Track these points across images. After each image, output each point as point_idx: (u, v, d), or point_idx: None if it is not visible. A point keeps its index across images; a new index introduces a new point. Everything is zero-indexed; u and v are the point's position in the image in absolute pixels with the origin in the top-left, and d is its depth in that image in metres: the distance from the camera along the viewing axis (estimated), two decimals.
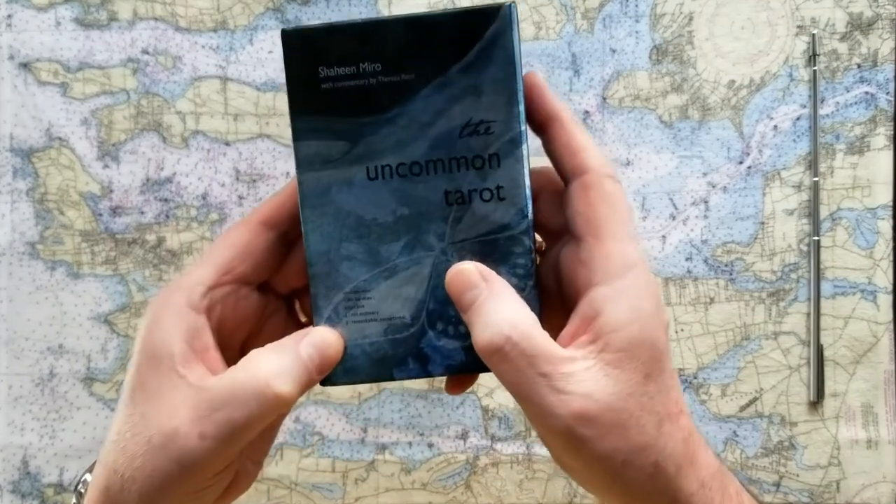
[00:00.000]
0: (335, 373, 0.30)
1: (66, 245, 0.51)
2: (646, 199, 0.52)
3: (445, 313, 0.29)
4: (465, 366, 0.30)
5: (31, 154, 0.51)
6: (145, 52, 0.52)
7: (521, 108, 0.28)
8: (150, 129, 0.52)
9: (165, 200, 0.51)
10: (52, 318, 0.51)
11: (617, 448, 0.27)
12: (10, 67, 0.51)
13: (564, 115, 0.29)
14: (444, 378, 0.32)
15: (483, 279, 0.28)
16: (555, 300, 0.30)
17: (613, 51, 0.52)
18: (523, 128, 0.28)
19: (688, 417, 0.29)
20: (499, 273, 0.29)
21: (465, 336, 0.29)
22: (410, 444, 0.52)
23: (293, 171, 0.47)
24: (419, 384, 0.51)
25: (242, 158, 0.52)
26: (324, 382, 0.30)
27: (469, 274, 0.28)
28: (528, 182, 0.29)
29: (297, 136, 0.29)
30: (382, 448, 0.52)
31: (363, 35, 0.28)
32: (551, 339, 0.27)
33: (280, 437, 0.51)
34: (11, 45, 0.51)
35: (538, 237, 0.32)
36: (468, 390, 0.40)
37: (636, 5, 0.52)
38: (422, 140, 0.29)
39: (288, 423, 0.51)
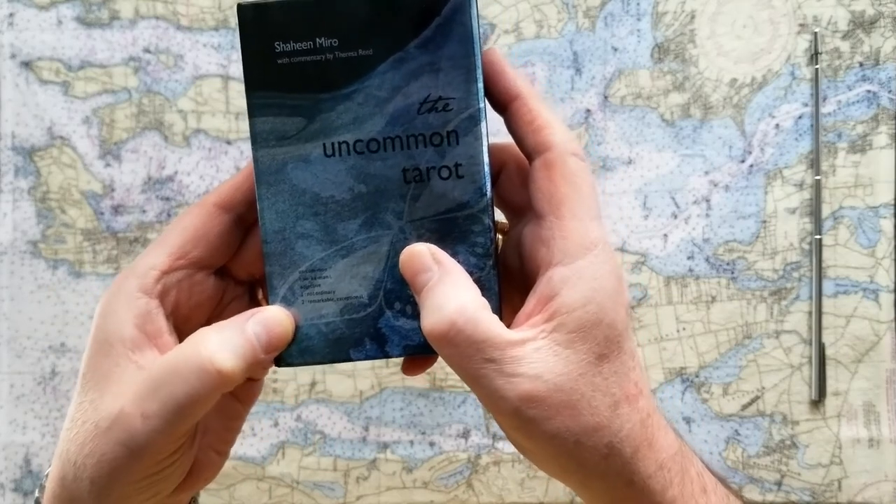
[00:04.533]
0: (290, 353, 0.29)
1: (67, 244, 0.51)
2: (647, 197, 0.52)
3: (403, 293, 0.29)
4: (423, 346, 0.28)
5: (33, 153, 0.51)
6: (147, 50, 0.52)
7: (480, 84, 0.28)
8: (151, 128, 0.52)
9: (167, 199, 0.51)
10: (53, 316, 0.51)
11: (567, 428, 0.26)
12: (11, 66, 0.51)
13: (526, 91, 0.29)
14: (404, 360, 0.31)
15: (435, 262, 0.27)
16: (517, 279, 0.30)
17: (615, 49, 0.52)
18: (482, 104, 0.28)
19: (648, 399, 0.28)
20: (457, 252, 0.28)
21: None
22: (412, 442, 0.52)
23: None
24: (420, 382, 0.51)
25: (244, 157, 0.52)
26: (278, 363, 0.29)
27: (421, 256, 0.27)
28: (487, 160, 0.28)
29: (253, 111, 0.29)
30: (384, 447, 0.52)
31: (320, 10, 0.28)
32: (500, 324, 0.27)
33: (282, 436, 0.51)
34: (13, 43, 0.51)
35: (502, 218, 0.31)
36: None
37: (638, 4, 0.52)
38: (379, 116, 0.28)
39: (290, 421, 0.51)
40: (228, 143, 0.52)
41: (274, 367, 0.30)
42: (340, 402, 0.52)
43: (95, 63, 0.52)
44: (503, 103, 0.29)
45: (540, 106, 0.29)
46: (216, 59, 0.52)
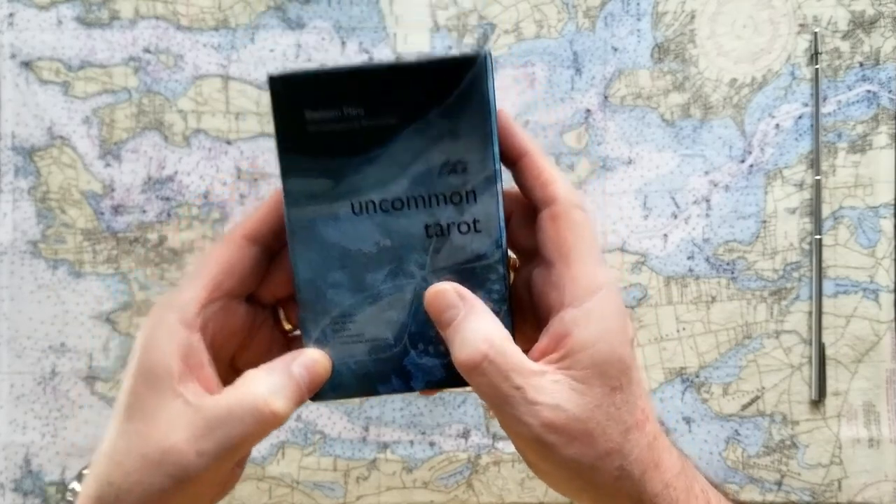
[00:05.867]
0: (323, 390, 0.31)
1: (67, 244, 0.51)
2: (647, 197, 0.52)
3: (426, 334, 0.31)
4: (444, 381, 0.32)
5: (33, 153, 0.51)
6: (147, 50, 0.52)
7: (496, 148, 0.30)
8: (151, 128, 0.52)
9: (167, 199, 0.52)
10: (53, 316, 0.51)
11: (584, 454, 0.29)
12: (11, 66, 0.51)
13: (532, 148, 0.31)
14: None
15: (460, 298, 0.30)
16: (528, 314, 0.32)
17: (615, 49, 0.52)
18: (497, 166, 0.30)
19: (653, 423, 0.31)
20: None
21: (445, 354, 0.31)
22: (412, 442, 0.52)
23: None
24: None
25: (244, 157, 0.52)
26: (313, 398, 0.31)
27: (447, 294, 0.30)
28: (502, 215, 0.31)
29: (285, 173, 0.30)
30: (384, 447, 0.52)
31: (347, 81, 0.29)
32: (524, 355, 0.29)
33: (282, 436, 0.51)
34: (13, 43, 0.51)
35: (512, 255, 0.33)
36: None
37: (638, 4, 0.52)
38: (403, 178, 0.30)
39: (290, 421, 0.51)
40: (228, 143, 0.52)
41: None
42: (340, 402, 0.52)
43: (95, 63, 0.52)
44: (512, 159, 0.32)
45: (545, 162, 0.31)
46: (216, 58, 0.52)
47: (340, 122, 0.30)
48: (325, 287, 0.31)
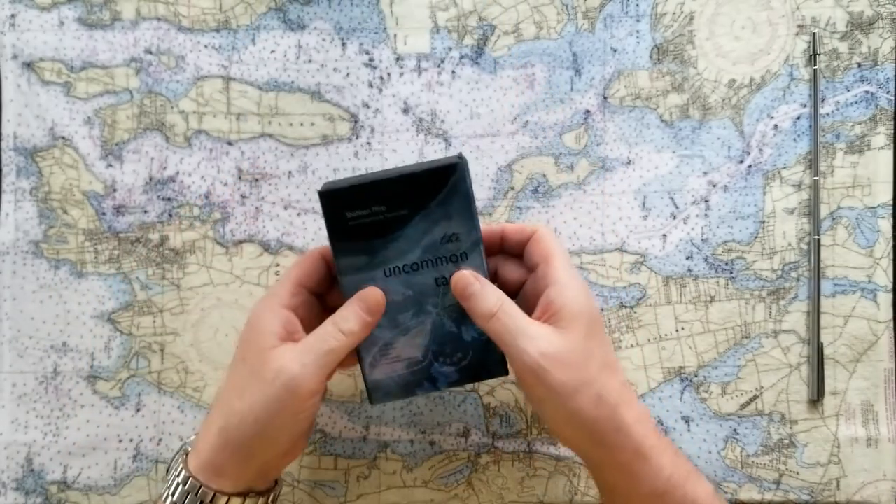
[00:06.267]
0: (377, 396, 0.45)
1: (69, 244, 0.52)
2: (647, 197, 0.52)
3: (444, 350, 0.44)
4: (459, 381, 0.45)
5: (35, 153, 0.52)
6: (148, 51, 0.52)
7: (478, 221, 0.42)
8: (153, 129, 0.52)
9: (168, 199, 0.52)
10: (55, 316, 0.51)
11: (569, 379, 0.39)
12: (13, 67, 0.52)
13: (506, 226, 0.46)
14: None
15: (475, 278, 0.42)
16: (528, 312, 0.43)
17: (614, 50, 0.52)
18: (480, 234, 0.42)
19: (622, 373, 0.42)
20: (463, 324, 0.44)
21: (458, 362, 0.44)
22: (412, 441, 0.52)
23: (295, 171, 0.51)
24: None
25: (245, 157, 0.52)
26: (371, 402, 0.45)
27: (466, 276, 0.42)
28: (486, 266, 0.43)
29: (336, 255, 0.42)
30: (384, 446, 0.52)
31: (372, 189, 0.41)
32: (521, 310, 0.41)
33: None
34: (15, 44, 0.52)
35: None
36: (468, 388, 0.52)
37: (637, 5, 0.52)
38: (417, 249, 0.42)
39: None
40: (229, 143, 0.52)
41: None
42: (341, 401, 0.52)
43: (97, 64, 0.52)
44: (498, 236, 0.46)
45: (519, 225, 0.46)
46: (217, 59, 0.52)
47: (370, 217, 0.42)
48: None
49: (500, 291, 0.42)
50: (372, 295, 0.42)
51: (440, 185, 0.41)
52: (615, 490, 0.42)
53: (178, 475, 0.41)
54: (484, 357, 0.44)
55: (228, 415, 0.40)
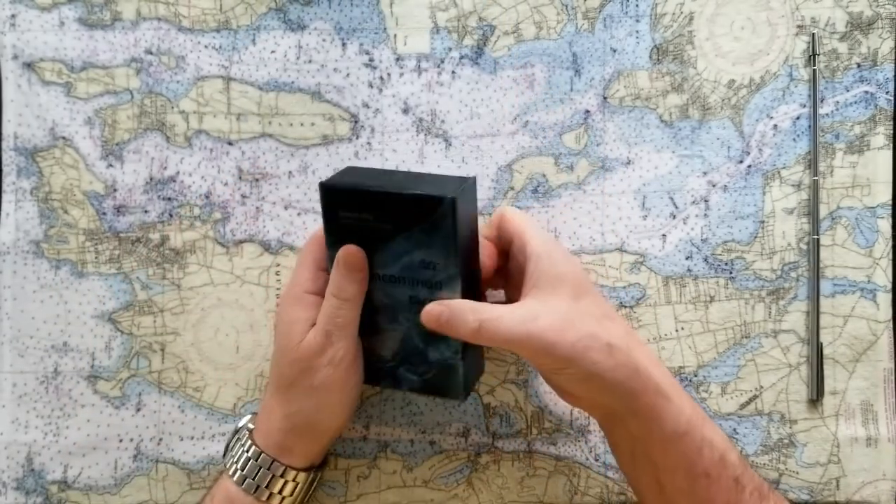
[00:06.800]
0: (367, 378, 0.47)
1: (70, 244, 0.52)
2: (646, 197, 0.52)
3: (410, 360, 0.46)
4: (420, 390, 0.47)
5: (35, 153, 0.52)
6: (148, 52, 0.52)
7: (458, 258, 0.41)
8: (153, 129, 0.52)
9: (169, 199, 0.52)
10: (56, 316, 0.51)
11: (576, 338, 0.39)
12: (13, 67, 0.52)
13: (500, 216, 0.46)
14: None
15: (442, 307, 0.41)
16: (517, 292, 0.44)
17: (614, 50, 0.52)
18: (457, 270, 0.42)
19: (624, 320, 0.43)
20: (431, 345, 0.45)
21: (423, 374, 0.46)
22: (412, 441, 0.52)
23: (295, 171, 0.51)
24: None
25: (245, 158, 0.52)
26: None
27: (433, 310, 0.41)
28: (472, 293, 0.43)
29: (328, 245, 0.44)
30: (384, 446, 0.52)
31: (365, 197, 0.42)
32: (497, 305, 0.42)
33: None
34: (15, 44, 0.52)
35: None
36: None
37: (637, 5, 0.52)
38: (397, 264, 0.43)
39: None
40: (230, 143, 0.52)
41: None
42: None
43: (97, 64, 0.52)
44: (493, 244, 0.46)
45: (488, 221, 0.47)
46: (217, 60, 0.52)
47: (358, 221, 0.43)
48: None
49: (471, 302, 0.41)
50: (346, 253, 0.43)
51: (426, 214, 0.41)
52: (635, 439, 0.42)
53: (246, 451, 0.45)
54: (445, 379, 0.45)
55: (290, 403, 0.45)
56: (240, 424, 0.49)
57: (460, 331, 0.40)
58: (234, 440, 0.48)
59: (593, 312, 0.41)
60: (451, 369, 0.45)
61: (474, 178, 0.43)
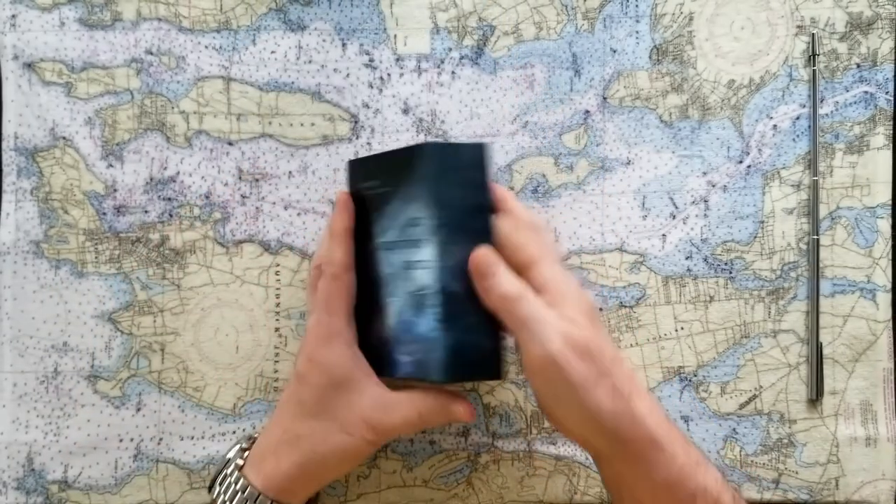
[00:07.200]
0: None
1: (70, 244, 0.52)
2: (646, 198, 0.52)
3: (401, 339, 0.44)
4: (412, 374, 0.43)
5: (36, 153, 0.52)
6: (149, 52, 0.52)
7: (440, 210, 0.41)
8: (153, 129, 0.52)
9: (169, 199, 0.52)
10: (56, 316, 0.51)
11: (590, 370, 0.38)
12: (14, 67, 0.52)
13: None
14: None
15: (499, 260, 0.41)
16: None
17: (614, 51, 0.52)
18: (437, 222, 0.41)
19: (627, 362, 0.42)
20: (420, 314, 0.42)
21: (413, 354, 0.43)
22: (412, 441, 0.52)
23: (295, 171, 0.52)
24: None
25: (245, 158, 0.52)
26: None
27: (490, 255, 0.41)
28: (441, 261, 0.41)
29: (357, 219, 0.46)
30: (384, 445, 0.52)
31: (372, 163, 0.46)
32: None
33: None
34: (16, 45, 0.52)
35: None
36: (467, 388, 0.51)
37: (636, 5, 0.52)
38: (394, 228, 0.43)
39: None
40: (230, 143, 0.52)
41: None
42: None
43: (98, 64, 0.52)
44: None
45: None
46: (218, 60, 0.52)
47: (370, 190, 0.45)
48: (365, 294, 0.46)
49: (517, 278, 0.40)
50: (335, 214, 0.45)
51: (409, 167, 0.42)
52: (624, 482, 0.41)
53: (240, 491, 0.43)
54: (429, 356, 0.42)
55: (309, 454, 0.43)
56: (229, 456, 0.46)
57: (503, 287, 0.40)
58: (221, 475, 0.45)
59: (608, 349, 0.40)
60: (433, 343, 0.41)
61: (482, 144, 0.43)
